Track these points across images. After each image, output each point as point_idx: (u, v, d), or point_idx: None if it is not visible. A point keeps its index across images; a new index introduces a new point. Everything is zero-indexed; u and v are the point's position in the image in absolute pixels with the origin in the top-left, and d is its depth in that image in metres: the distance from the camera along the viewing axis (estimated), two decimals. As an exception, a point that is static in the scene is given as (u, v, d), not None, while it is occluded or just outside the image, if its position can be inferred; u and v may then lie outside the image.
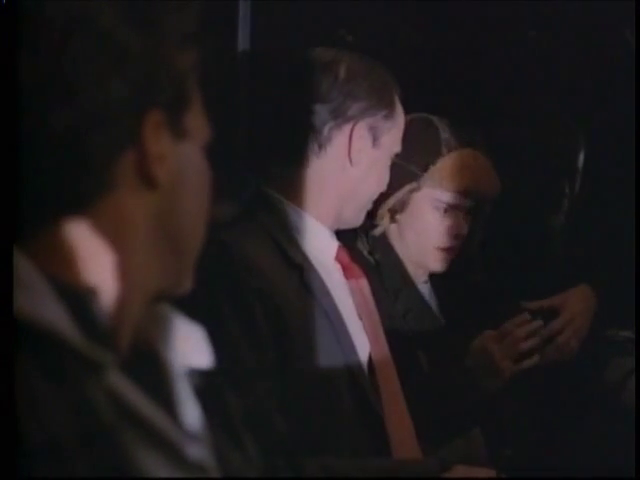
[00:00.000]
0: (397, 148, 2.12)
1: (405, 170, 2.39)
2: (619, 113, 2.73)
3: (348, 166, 2.04)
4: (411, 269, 2.52)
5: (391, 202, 2.45)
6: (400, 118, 2.11)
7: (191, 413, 0.95)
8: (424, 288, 2.58)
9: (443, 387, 2.35)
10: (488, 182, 2.51)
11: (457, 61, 3.01)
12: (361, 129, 2.04)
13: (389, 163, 2.12)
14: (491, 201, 2.56)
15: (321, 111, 2.02)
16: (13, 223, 0.88)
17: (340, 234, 2.13)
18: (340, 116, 2.02)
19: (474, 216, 2.54)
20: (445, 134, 2.47)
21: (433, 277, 2.59)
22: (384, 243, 2.51)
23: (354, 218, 2.12)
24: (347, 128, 2.03)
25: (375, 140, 2.06)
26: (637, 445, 2.18)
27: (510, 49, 3.02)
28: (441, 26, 3.02)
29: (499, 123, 2.93)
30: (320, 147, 2.03)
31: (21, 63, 0.86)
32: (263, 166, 2.11)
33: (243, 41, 2.63)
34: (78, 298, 0.89)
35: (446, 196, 2.45)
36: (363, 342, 2.03)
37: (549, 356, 2.49)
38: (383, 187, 2.13)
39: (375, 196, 2.12)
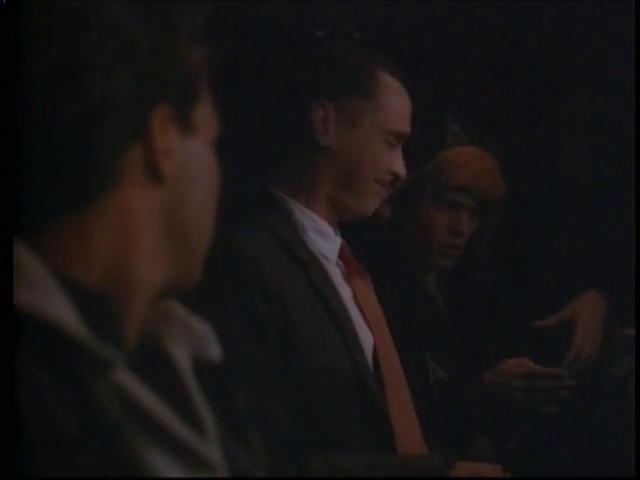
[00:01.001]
0: (391, 126, 2.06)
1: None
2: (620, 113, 2.72)
3: (333, 152, 2.03)
4: (416, 263, 2.52)
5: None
6: (387, 96, 2.06)
7: (199, 409, 0.95)
8: (431, 284, 2.57)
9: (454, 394, 2.36)
10: (491, 183, 2.50)
11: (462, 59, 3.00)
12: (334, 113, 2.02)
13: (383, 142, 2.07)
14: (497, 204, 2.55)
15: (314, 104, 2.02)
16: (14, 217, 0.88)
17: (345, 228, 2.12)
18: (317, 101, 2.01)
19: (481, 218, 2.53)
20: (454, 128, 2.47)
21: (440, 274, 2.59)
22: (389, 236, 2.51)
23: (360, 205, 2.07)
24: (320, 114, 2.02)
25: (355, 121, 2.04)
26: (637, 445, 2.17)
27: (509, 49, 3.02)
28: (442, 25, 3.02)
29: (505, 125, 2.93)
30: (312, 141, 2.03)
31: (29, 55, 0.87)
32: (268, 164, 2.11)
33: (248, 39, 2.63)
34: (84, 294, 0.89)
35: (446, 190, 2.45)
36: (368, 338, 2.03)
37: (574, 368, 2.49)
38: (381, 167, 2.07)
39: (374, 176, 2.06)
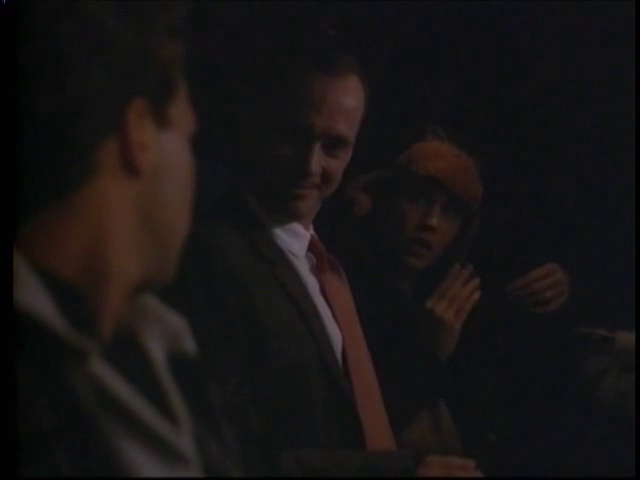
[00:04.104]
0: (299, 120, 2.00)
1: (378, 151, 2.37)
2: (619, 111, 2.73)
3: None
4: (389, 261, 2.50)
5: (362, 181, 2.44)
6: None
7: (173, 402, 0.95)
8: (404, 284, 2.56)
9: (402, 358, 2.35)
10: (466, 181, 2.43)
11: (446, 60, 3.01)
12: None
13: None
14: (473, 207, 2.50)
15: None
16: (13, 216, 0.89)
17: (318, 222, 2.12)
18: None
19: (461, 225, 2.49)
20: (431, 125, 2.46)
21: (416, 280, 2.57)
22: (367, 231, 2.49)
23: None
24: None
25: None
26: (637, 445, 2.18)
27: (502, 49, 3.02)
28: (425, 24, 3.03)
29: (490, 124, 2.93)
30: None
31: (27, 54, 0.87)
32: (237, 160, 2.12)
33: (228, 36, 2.64)
34: (60, 285, 0.89)
35: (415, 181, 2.42)
36: (337, 332, 2.04)
37: (522, 300, 2.48)
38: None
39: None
